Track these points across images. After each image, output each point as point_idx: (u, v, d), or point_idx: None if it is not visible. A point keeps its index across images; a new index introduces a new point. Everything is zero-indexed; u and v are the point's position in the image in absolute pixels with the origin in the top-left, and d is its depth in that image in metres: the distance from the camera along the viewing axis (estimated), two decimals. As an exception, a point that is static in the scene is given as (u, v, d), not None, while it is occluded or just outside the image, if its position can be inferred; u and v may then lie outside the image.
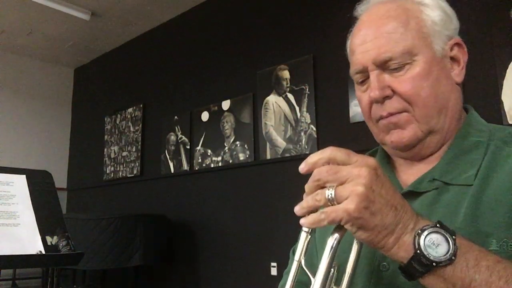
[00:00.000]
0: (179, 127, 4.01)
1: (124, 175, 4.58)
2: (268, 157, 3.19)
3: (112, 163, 4.78)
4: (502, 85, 2.17)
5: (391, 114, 0.71)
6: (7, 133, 5.04)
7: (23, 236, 1.21)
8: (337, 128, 2.83)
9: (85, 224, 3.21)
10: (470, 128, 0.73)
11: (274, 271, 2.99)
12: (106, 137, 4.95)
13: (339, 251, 0.56)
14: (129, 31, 4.67)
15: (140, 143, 4.46)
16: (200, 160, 3.75)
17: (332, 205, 0.53)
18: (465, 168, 0.68)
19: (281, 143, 3.12)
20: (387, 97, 0.71)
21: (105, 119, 4.99)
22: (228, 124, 3.54)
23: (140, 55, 4.72)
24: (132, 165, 4.50)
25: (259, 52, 3.44)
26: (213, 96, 3.73)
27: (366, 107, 0.75)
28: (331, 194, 0.53)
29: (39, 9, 4.13)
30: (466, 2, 2.35)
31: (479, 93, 2.24)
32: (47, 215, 1.30)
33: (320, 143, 2.90)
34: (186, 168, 3.87)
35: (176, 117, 4.06)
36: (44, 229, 1.26)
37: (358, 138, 2.64)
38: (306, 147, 2.96)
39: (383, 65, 0.70)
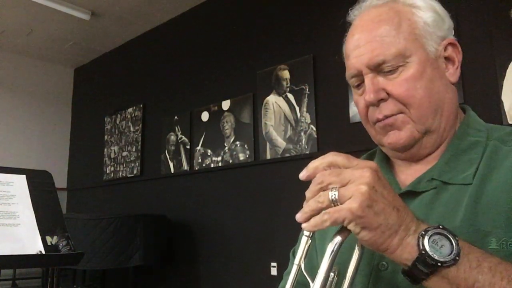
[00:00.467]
0: (179, 127, 4.02)
1: (124, 175, 4.58)
2: (268, 157, 3.19)
3: (112, 163, 4.78)
4: (502, 85, 2.17)
5: (387, 117, 0.72)
6: (7, 133, 5.04)
7: (23, 236, 1.21)
8: (337, 128, 2.83)
9: (85, 224, 3.21)
10: (468, 128, 0.74)
11: (274, 271, 2.99)
12: (106, 137, 4.95)
13: (338, 254, 0.56)
14: (129, 31, 4.67)
15: (140, 143, 4.47)
16: (200, 160, 3.75)
17: (335, 206, 0.54)
18: (463, 168, 0.68)
19: (281, 143, 3.12)
20: (382, 100, 0.71)
21: (105, 119, 4.99)
22: (228, 124, 3.55)
23: (140, 55, 4.72)
24: (132, 165, 4.50)
25: (259, 52, 3.44)
26: (213, 96, 3.73)
27: (363, 110, 0.75)
28: (334, 195, 0.53)
29: (39, 9, 4.13)
30: (466, 2, 2.35)
31: (479, 93, 2.24)
32: (47, 215, 1.30)
33: (320, 143, 2.90)
34: (186, 168, 3.87)
35: (176, 117, 4.06)
36: (44, 229, 1.26)
37: (358, 138, 2.64)
38: (306, 147, 2.96)
39: (377, 68, 0.71)
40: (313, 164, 0.57)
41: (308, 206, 0.56)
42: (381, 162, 0.80)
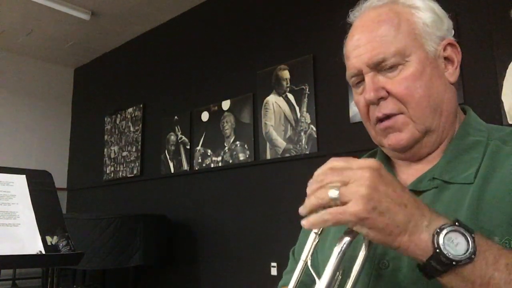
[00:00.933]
0: (179, 127, 4.02)
1: (124, 175, 4.58)
2: (268, 157, 3.19)
3: (112, 163, 4.78)
4: (502, 85, 2.17)
5: (386, 115, 0.72)
6: (7, 133, 5.04)
7: (23, 236, 1.21)
8: (337, 128, 2.83)
9: (85, 224, 3.21)
10: (469, 128, 0.74)
11: (274, 271, 2.99)
12: (106, 137, 4.95)
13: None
14: (129, 31, 4.67)
15: (140, 143, 4.47)
16: (200, 160, 3.75)
17: (336, 205, 0.53)
18: (464, 167, 0.69)
19: (281, 143, 3.12)
20: (382, 99, 0.72)
21: (105, 119, 4.99)
22: (228, 124, 3.54)
23: (140, 55, 4.72)
24: (132, 165, 4.50)
25: (259, 52, 3.44)
26: (213, 96, 3.73)
27: (363, 109, 0.76)
28: (335, 193, 0.53)
29: (39, 9, 4.13)
30: (466, 2, 2.35)
31: (479, 93, 2.24)
32: (47, 215, 1.30)
33: (320, 143, 2.90)
34: (186, 168, 3.87)
35: (176, 117, 4.06)
36: (44, 229, 1.26)
37: (358, 138, 2.64)
38: (306, 147, 2.96)
39: (377, 67, 0.72)
40: (316, 173, 0.57)
41: (309, 200, 0.56)
42: (382, 161, 0.80)
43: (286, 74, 3.17)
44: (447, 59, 0.75)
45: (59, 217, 1.33)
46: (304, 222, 0.56)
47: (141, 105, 4.53)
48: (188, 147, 3.88)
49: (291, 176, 3.01)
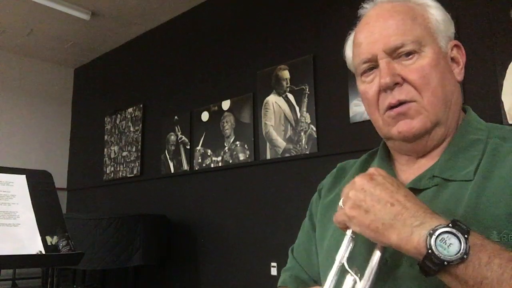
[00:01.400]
0: (179, 127, 4.02)
1: (124, 175, 4.59)
2: (268, 157, 3.19)
3: (112, 163, 4.78)
4: (502, 85, 2.17)
5: (400, 102, 0.71)
6: (7, 133, 5.04)
7: (23, 236, 1.21)
8: (337, 128, 2.83)
9: (85, 224, 3.21)
10: (468, 126, 0.75)
11: (274, 271, 2.99)
12: (106, 137, 4.95)
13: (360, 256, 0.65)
14: (129, 31, 4.67)
15: (140, 143, 4.47)
16: (200, 160, 3.75)
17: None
18: (464, 165, 0.69)
19: (281, 143, 3.12)
20: (398, 84, 0.72)
21: (105, 119, 4.99)
22: (228, 124, 3.55)
23: (140, 55, 4.72)
24: (132, 165, 4.50)
25: (259, 52, 3.44)
26: (213, 96, 3.73)
27: (374, 97, 0.75)
28: (340, 201, 0.65)
29: (39, 9, 4.13)
30: (466, 3, 2.35)
31: (479, 93, 2.24)
32: (47, 215, 1.30)
33: (320, 143, 2.90)
34: (186, 168, 3.87)
35: (176, 117, 4.06)
36: (44, 229, 1.26)
37: (358, 138, 2.65)
38: (306, 147, 2.96)
39: (393, 53, 0.72)
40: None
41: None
42: (382, 160, 0.80)
43: (286, 74, 3.17)
44: (453, 59, 0.76)
45: (59, 217, 1.33)
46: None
47: (141, 105, 4.53)
48: (188, 147, 3.89)
49: (291, 176, 3.01)
